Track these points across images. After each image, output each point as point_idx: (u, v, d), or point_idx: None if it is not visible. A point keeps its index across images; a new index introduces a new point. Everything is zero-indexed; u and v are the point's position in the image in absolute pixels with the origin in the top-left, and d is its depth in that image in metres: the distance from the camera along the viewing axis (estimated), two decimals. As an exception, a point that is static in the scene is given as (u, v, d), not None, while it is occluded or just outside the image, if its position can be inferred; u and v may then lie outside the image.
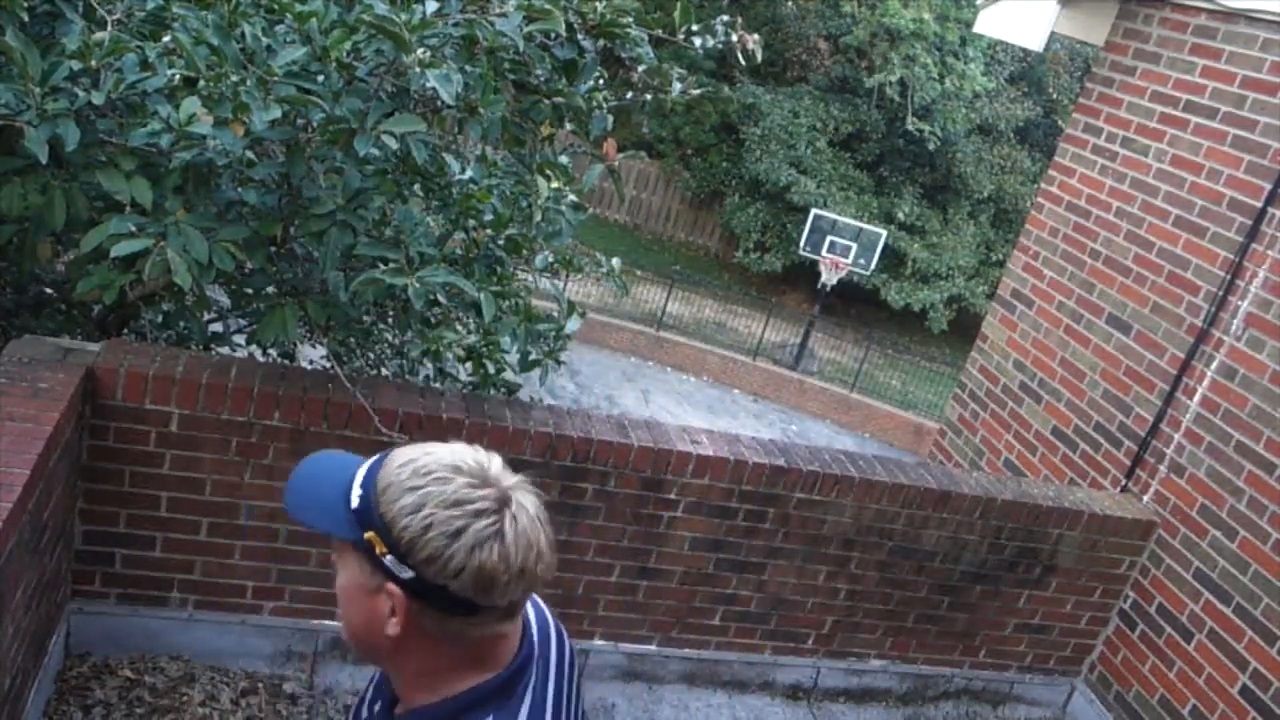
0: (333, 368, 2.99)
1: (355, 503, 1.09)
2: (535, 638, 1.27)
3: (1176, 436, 4.17)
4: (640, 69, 2.97)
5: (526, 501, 1.11)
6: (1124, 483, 4.35)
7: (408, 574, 1.06)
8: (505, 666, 1.18)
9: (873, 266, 15.40)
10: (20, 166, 2.37)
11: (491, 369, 3.34)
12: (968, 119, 17.29)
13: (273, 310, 2.74)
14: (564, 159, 3.06)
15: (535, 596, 1.31)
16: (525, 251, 3.05)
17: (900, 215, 17.32)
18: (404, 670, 1.17)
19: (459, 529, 1.05)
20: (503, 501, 1.08)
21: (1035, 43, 5.01)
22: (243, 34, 2.26)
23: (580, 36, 2.73)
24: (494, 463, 1.12)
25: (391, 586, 1.07)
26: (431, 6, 2.33)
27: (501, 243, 3.01)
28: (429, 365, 3.75)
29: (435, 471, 1.08)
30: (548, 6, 2.46)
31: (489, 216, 2.96)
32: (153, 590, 3.10)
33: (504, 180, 3.06)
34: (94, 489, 2.91)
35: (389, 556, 1.06)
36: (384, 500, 1.07)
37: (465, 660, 1.15)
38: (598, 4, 2.75)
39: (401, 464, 1.10)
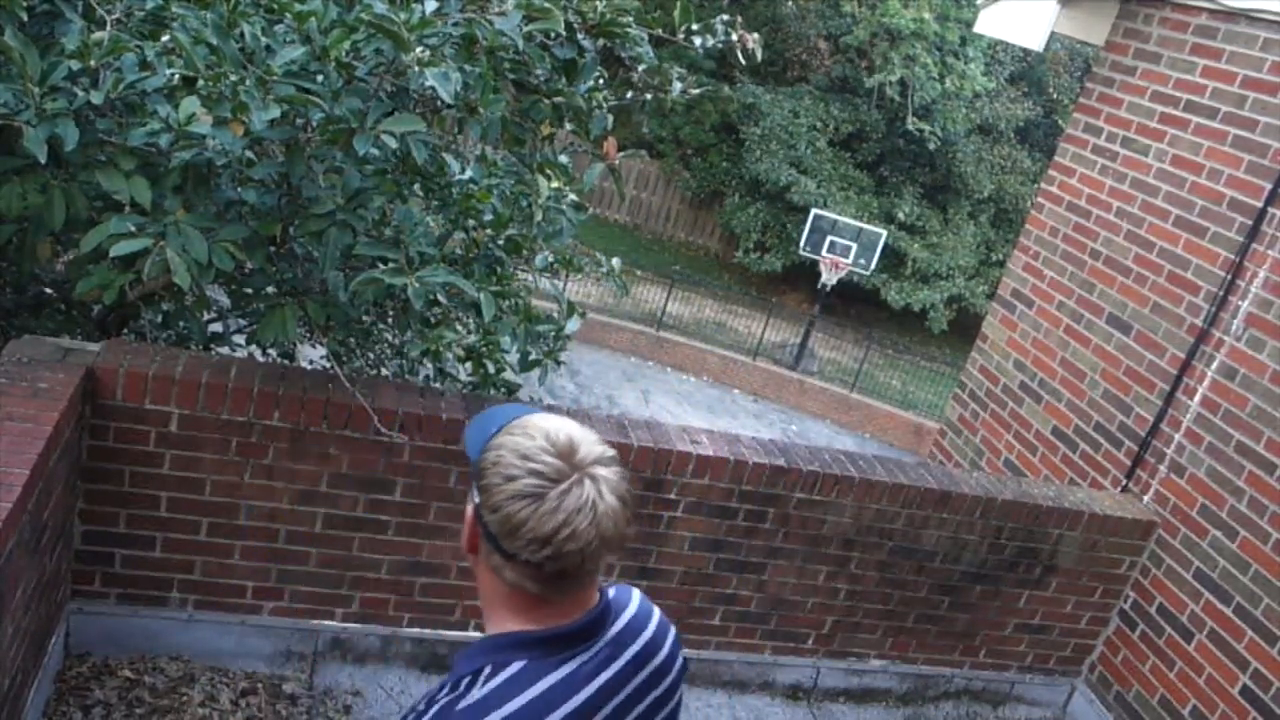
0: (333, 368, 2.99)
1: (489, 435, 1.26)
2: (617, 627, 1.34)
3: (1177, 436, 4.17)
4: (640, 69, 2.97)
5: (591, 491, 1.18)
6: (1124, 483, 4.35)
7: (476, 498, 1.22)
8: (555, 627, 1.25)
9: (873, 266, 15.39)
10: (20, 166, 2.37)
11: (491, 369, 3.34)
12: (968, 119, 17.29)
13: (273, 310, 2.74)
14: (564, 159, 3.06)
15: (651, 603, 1.43)
16: (525, 251, 3.05)
17: (900, 215, 17.31)
18: (477, 589, 1.32)
19: (511, 475, 1.18)
20: (564, 476, 1.18)
21: (1035, 43, 5.01)
22: (242, 34, 2.26)
23: (580, 36, 2.73)
24: (594, 450, 1.22)
25: (469, 506, 1.25)
26: (431, 6, 2.33)
27: (501, 243, 3.01)
28: (429, 365, 3.75)
29: (529, 429, 1.23)
30: (548, 6, 2.45)
31: (489, 216, 2.96)
32: (152, 590, 3.10)
33: (504, 180, 3.06)
34: (94, 489, 2.91)
35: (474, 481, 1.24)
36: (494, 437, 1.24)
37: (509, 603, 1.25)
38: (598, 4, 2.74)
39: (524, 416, 1.27)
